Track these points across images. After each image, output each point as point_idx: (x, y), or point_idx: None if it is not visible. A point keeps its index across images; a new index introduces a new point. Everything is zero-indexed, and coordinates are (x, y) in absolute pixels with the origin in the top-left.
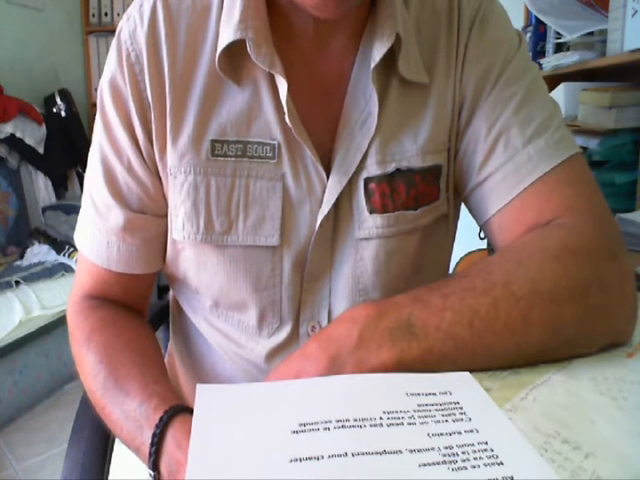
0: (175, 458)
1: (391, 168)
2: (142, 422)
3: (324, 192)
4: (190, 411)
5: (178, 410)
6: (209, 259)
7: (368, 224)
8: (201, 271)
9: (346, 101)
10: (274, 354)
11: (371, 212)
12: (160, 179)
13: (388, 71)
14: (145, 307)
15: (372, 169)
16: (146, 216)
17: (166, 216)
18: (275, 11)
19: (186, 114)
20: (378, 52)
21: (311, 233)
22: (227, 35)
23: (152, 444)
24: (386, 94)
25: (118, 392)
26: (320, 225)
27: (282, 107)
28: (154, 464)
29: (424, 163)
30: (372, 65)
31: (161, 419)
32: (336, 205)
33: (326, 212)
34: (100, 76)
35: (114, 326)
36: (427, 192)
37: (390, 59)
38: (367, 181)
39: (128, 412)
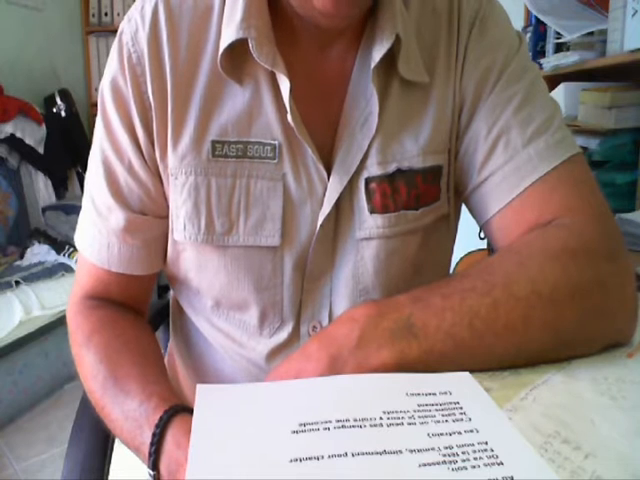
0: (175, 458)
1: (392, 168)
2: (142, 422)
3: (325, 192)
4: (190, 411)
5: (178, 410)
6: (210, 260)
7: (369, 224)
8: (202, 271)
9: (346, 102)
10: (275, 353)
11: (372, 212)
12: (161, 180)
13: (388, 72)
14: (145, 307)
15: (373, 169)
16: (147, 217)
17: (167, 217)
18: (277, 14)
19: (187, 115)
20: (378, 53)
21: (312, 233)
22: (229, 34)
23: (152, 444)
24: (387, 95)
25: (118, 392)
26: (321, 225)
27: (283, 107)
28: (154, 464)
29: (425, 163)
30: (372, 65)
31: (161, 419)
32: (337, 205)
33: (327, 212)
34: (100, 76)
35: (114, 326)
36: (428, 192)
37: (390, 60)
38: (368, 181)
39: (128, 412)
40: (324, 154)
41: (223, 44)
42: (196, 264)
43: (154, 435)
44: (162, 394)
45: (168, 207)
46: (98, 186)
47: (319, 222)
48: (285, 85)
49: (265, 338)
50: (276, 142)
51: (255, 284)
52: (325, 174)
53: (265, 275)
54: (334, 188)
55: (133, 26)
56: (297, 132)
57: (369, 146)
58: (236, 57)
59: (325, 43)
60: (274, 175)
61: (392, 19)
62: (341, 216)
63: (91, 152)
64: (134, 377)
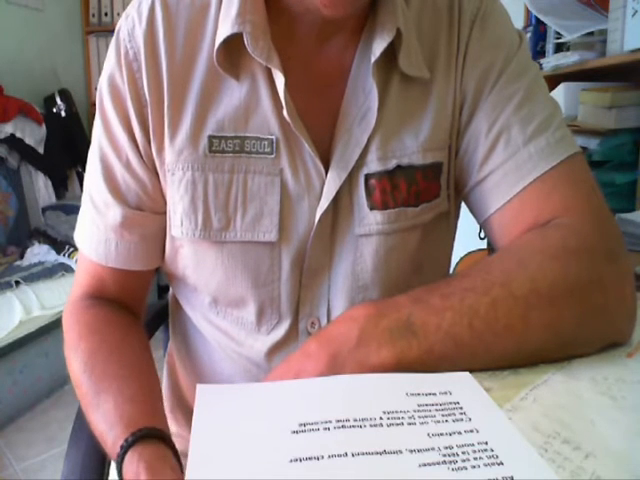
0: None
1: (392, 164)
2: (110, 447)
3: (323, 188)
4: (153, 433)
5: (131, 443)
6: (207, 256)
7: (368, 220)
8: (200, 268)
9: (345, 96)
10: (273, 351)
11: (371, 208)
12: (158, 176)
13: (389, 67)
14: (141, 307)
15: (373, 165)
16: (144, 213)
17: (164, 213)
18: (276, 7)
19: (184, 111)
20: (378, 47)
21: (310, 229)
22: (225, 29)
23: (118, 474)
24: (387, 90)
25: (95, 408)
26: (319, 221)
27: (280, 102)
28: None
29: (425, 160)
30: (372, 59)
31: (118, 455)
32: (336, 201)
33: (325, 207)
34: (100, 76)
35: (101, 331)
36: (428, 189)
37: (391, 55)
38: (367, 177)
39: (102, 431)
40: (323, 149)
41: (219, 39)
42: (194, 260)
43: (118, 473)
44: (130, 417)
45: (165, 203)
46: (96, 183)
47: (317, 217)
48: (280, 80)
49: (263, 335)
50: (273, 137)
51: (252, 280)
52: (322, 169)
53: (262, 271)
54: (332, 183)
55: (130, 23)
56: (293, 127)
57: (369, 142)
58: (233, 52)
59: (324, 36)
60: (271, 170)
61: (393, 13)
62: (340, 212)
63: (90, 149)
64: (112, 393)
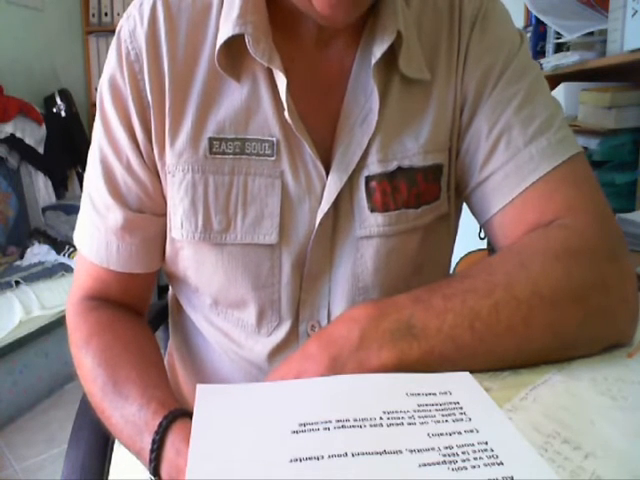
0: (175, 465)
1: (392, 166)
2: (141, 427)
3: (324, 190)
4: (189, 415)
5: (177, 415)
6: (208, 257)
7: (369, 222)
8: (200, 269)
9: (346, 98)
10: (274, 353)
11: (372, 210)
12: (159, 178)
13: (389, 69)
14: (145, 307)
15: (373, 167)
16: (145, 215)
17: (165, 215)
18: (277, 9)
19: (185, 112)
20: (379, 49)
21: (310, 231)
22: (226, 30)
23: (152, 450)
24: (387, 92)
25: (117, 396)
26: (320, 223)
27: (281, 104)
28: (154, 470)
29: (425, 162)
30: (373, 62)
31: (160, 425)
32: (336, 203)
33: (326, 210)
34: (100, 76)
35: (112, 328)
36: (428, 191)
37: (391, 57)
38: (368, 179)
39: (127, 416)
40: (324, 151)
41: (220, 40)
42: (194, 262)
43: (154, 442)
44: (161, 398)
45: (166, 205)
46: (96, 185)
47: (317, 220)
48: (282, 81)
49: (263, 337)
50: (274, 139)
51: (253, 282)
52: (323, 172)
53: (263, 273)
54: (333, 186)
55: (131, 23)
56: (295, 129)
57: (369, 144)
58: (234, 54)
59: (325, 39)
60: (272, 172)
61: (393, 15)
62: (340, 214)
63: (90, 151)
64: (133, 381)
